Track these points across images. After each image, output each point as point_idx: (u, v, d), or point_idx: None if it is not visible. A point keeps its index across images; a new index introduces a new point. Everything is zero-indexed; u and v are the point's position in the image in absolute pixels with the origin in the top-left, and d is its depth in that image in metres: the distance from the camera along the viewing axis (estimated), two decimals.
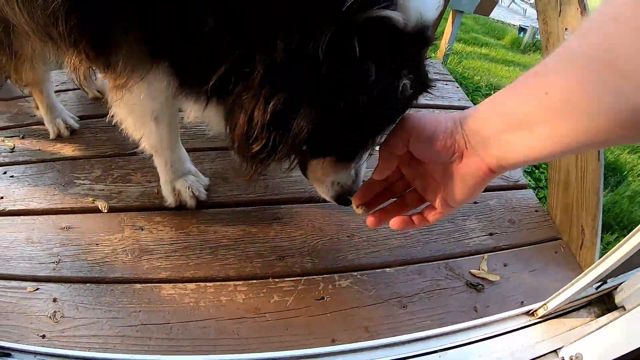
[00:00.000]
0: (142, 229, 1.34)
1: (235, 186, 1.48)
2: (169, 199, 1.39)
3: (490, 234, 1.46)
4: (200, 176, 1.44)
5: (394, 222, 0.76)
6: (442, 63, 2.64)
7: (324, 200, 1.42)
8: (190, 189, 1.38)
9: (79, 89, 1.94)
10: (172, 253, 1.28)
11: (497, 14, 12.86)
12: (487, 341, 1.02)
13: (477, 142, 0.61)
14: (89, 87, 1.89)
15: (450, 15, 6.44)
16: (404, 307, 1.20)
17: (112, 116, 1.19)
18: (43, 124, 1.71)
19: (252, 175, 0.90)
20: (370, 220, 0.79)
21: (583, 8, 1.41)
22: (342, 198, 1.06)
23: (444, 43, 6.29)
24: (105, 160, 1.58)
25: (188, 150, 1.46)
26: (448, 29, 6.45)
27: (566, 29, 1.46)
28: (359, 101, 0.74)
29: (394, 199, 0.81)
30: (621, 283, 0.97)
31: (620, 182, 5.65)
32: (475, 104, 4.93)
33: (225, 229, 1.34)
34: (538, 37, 10.03)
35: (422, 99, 2.01)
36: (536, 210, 1.61)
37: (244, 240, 1.31)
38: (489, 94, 5.84)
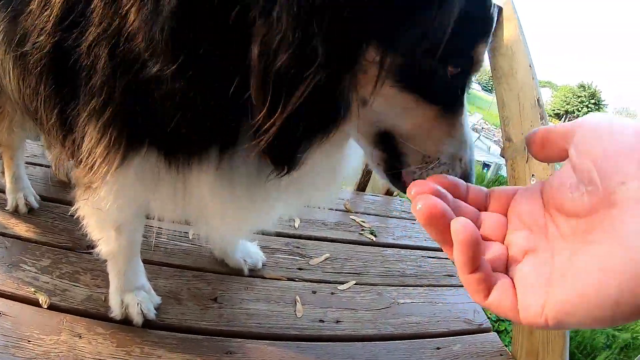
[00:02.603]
0: (81, 337, 1.24)
1: (188, 309, 1.41)
2: (115, 311, 1.31)
3: None
4: (152, 293, 1.38)
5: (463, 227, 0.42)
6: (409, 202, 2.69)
7: (278, 338, 1.39)
8: (139, 305, 1.31)
9: (48, 167, 1.91)
10: None
11: None
12: None
13: None
14: (58, 169, 1.85)
15: None
16: None
17: (76, 210, 1.14)
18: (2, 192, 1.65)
19: (277, 119, 0.64)
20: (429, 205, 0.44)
21: None
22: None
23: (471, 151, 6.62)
24: (57, 251, 1.50)
25: (144, 262, 1.41)
26: None
27: (533, 175, 1.54)
28: None
29: None
30: None
31: None
32: None
33: (170, 356, 1.25)
34: (500, 172, 10.78)
35: (389, 239, 2.13)
36: (501, 355, 1.60)
37: None
38: None
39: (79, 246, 1.50)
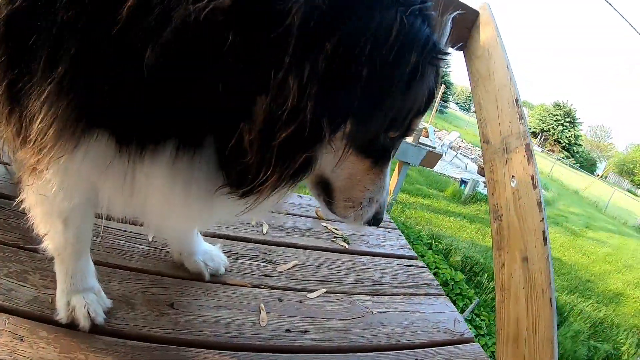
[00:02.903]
0: (22, 340, 1.13)
1: (141, 315, 1.30)
2: (61, 313, 1.20)
3: None
4: (103, 296, 1.27)
5: None
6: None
7: (239, 348, 1.29)
8: (86, 307, 1.20)
9: (8, 164, 1.78)
10: None
11: (440, 167, 14.25)
12: None
13: None
14: (15, 165, 1.74)
15: (397, 166, 6.88)
16: None
17: (22, 201, 1.08)
18: None
19: (272, 183, 0.77)
20: None
21: (529, 156, 1.47)
22: (379, 217, 1.05)
23: (389, 193, 6.70)
24: (7, 249, 1.39)
25: (98, 264, 1.32)
26: (394, 179, 6.87)
27: (512, 176, 1.51)
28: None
29: None
30: None
31: (562, 323, 5.87)
32: (416, 252, 5.20)
33: None
34: (478, 189, 10.95)
35: (363, 246, 2.05)
36: None
37: None
38: (430, 243, 6.15)
39: (31, 244, 1.37)
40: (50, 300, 1.25)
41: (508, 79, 1.64)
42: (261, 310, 1.44)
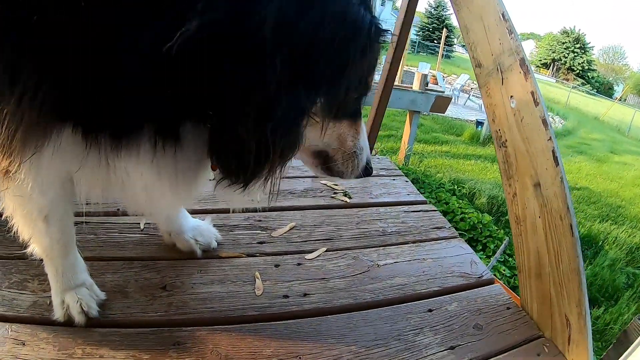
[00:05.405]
0: (24, 345, 1.14)
1: (134, 302, 1.29)
2: (57, 313, 1.22)
3: (452, 348, 1.27)
4: (95, 289, 1.28)
5: None
6: (389, 159, 2.66)
7: (233, 322, 1.29)
8: (79, 303, 1.21)
9: None
10: None
11: (454, 112, 13.98)
12: None
13: None
14: None
15: (408, 117, 6.71)
16: None
17: (2, 209, 1.08)
18: None
19: (271, 165, 0.85)
20: None
21: (526, 71, 1.37)
22: (369, 167, 1.18)
23: (404, 144, 6.52)
24: (9, 262, 1.42)
25: (92, 260, 1.32)
26: (407, 130, 6.74)
27: (511, 96, 1.42)
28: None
29: None
30: None
31: (597, 252, 5.73)
32: (439, 200, 5.09)
33: (113, 354, 1.13)
34: None
35: (366, 198, 1.99)
36: (508, 308, 1.46)
37: None
38: (453, 189, 6.05)
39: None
40: (48, 302, 1.26)
41: None
42: (256, 279, 1.42)
